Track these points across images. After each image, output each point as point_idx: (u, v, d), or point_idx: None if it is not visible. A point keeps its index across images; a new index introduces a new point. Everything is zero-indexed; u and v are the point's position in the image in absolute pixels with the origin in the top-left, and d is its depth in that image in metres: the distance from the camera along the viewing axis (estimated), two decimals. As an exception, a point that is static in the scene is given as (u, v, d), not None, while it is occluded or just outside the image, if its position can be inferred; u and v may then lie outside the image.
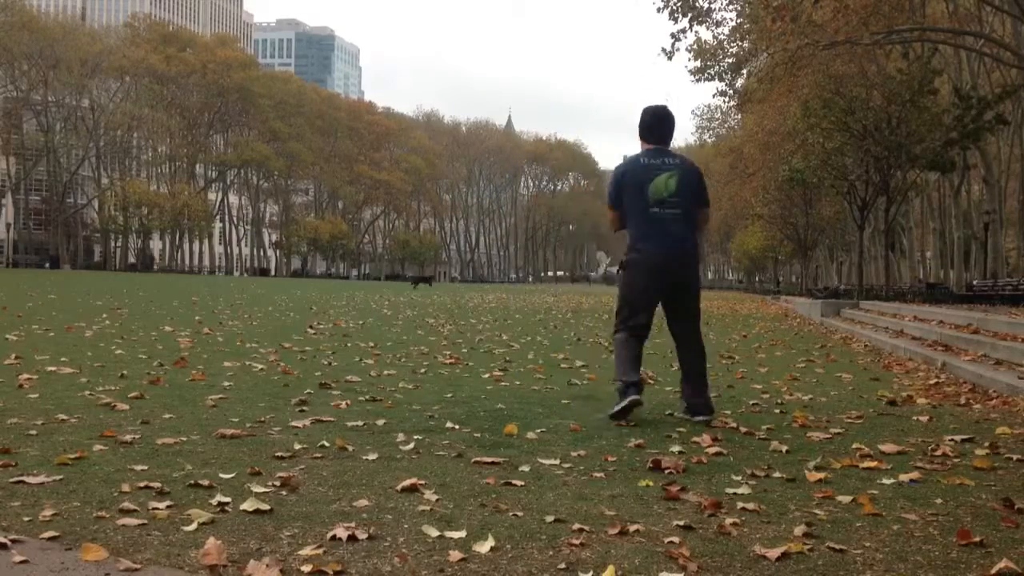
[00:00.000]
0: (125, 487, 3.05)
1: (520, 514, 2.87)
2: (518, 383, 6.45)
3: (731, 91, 31.62)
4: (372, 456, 3.70)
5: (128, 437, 3.92)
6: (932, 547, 2.64)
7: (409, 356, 8.25)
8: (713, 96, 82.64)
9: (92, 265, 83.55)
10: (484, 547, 2.51)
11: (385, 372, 6.85)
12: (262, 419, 4.54)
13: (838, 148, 24.80)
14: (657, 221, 4.89)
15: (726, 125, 65.61)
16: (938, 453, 4.09)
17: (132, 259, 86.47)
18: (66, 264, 76.03)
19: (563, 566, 2.39)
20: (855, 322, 16.11)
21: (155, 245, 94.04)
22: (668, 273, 4.94)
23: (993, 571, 2.42)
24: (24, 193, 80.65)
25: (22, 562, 2.30)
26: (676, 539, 2.63)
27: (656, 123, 5.08)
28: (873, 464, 3.79)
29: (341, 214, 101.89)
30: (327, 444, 3.90)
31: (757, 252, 63.25)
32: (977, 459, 3.93)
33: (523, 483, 3.29)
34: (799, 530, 2.74)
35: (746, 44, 27.49)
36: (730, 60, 28.48)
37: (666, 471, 3.54)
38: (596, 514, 2.90)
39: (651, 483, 3.33)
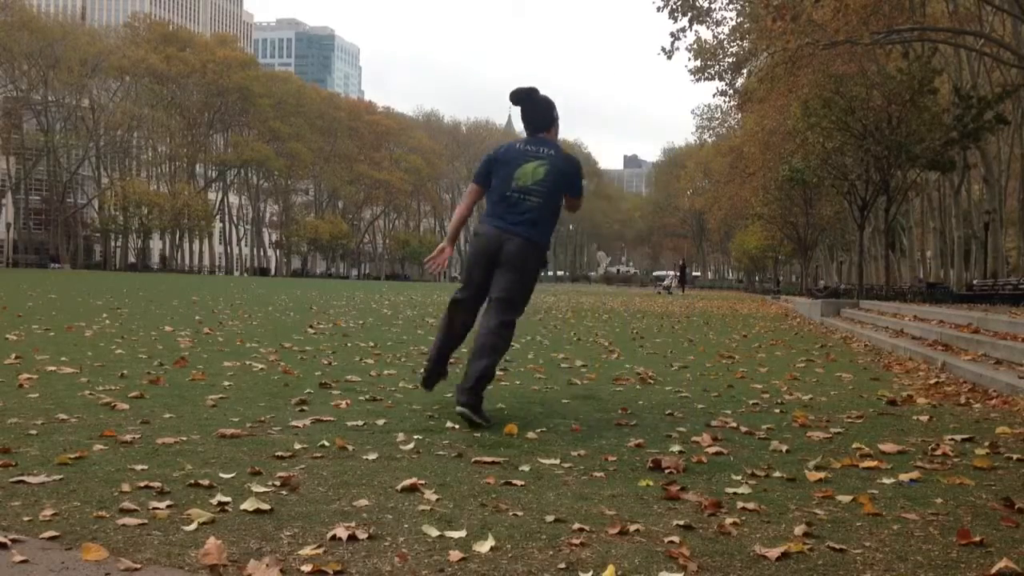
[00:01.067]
0: (125, 487, 3.05)
1: (520, 514, 2.88)
2: (518, 383, 6.44)
3: (731, 91, 31.69)
4: (372, 456, 3.70)
5: (128, 437, 3.92)
6: (932, 547, 2.64)
7: (409, 356, 8.24)
8: (713, 96, 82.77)
9: (92, 265, 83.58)
10: (484, 547, 2.51)
11: (385, 372, 6.85)
12: (262, 419, 4.54)
13: (838, 148, 24.80)
14: (510, 204, 4.76)
15: (726, 125, 65.74)
16: (938, 453, 4.10)
17: (132, 259, 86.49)
18: (66, 264, 76.03)
19: (563, 566, 2.39)
20: (855, 322, 16.11)
21: (155, 245, 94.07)
22: (494, 252, 4.75)
23: (993, 571, 2.42)
24: (24, 193, 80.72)
25: (22, 562, 2.30)
26: (676, 539, 2.63)
27: (521, 111, 4.95)
28: (873, 464, 3.79)
29: (341, 214, 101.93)
30: (327, 444, 3.90)
31: (757, 252, 63.24)
32: (977, 459, 3.93)
33: (523, 483, 3.29)
34: (799, 530, 2.74)
35: (746, 43, 27.53)
36: (730, 60, 28.53)
37: (666, 471, 3.54)
38: (596, 514, 2.90)
39: (651, 483, 3.33)
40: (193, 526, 2.64)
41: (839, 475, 3.59)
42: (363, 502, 2.96)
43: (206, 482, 3.15)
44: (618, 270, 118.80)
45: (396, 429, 4.35)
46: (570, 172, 4.85)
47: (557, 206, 4.86)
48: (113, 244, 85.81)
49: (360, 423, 4.49)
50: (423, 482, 3.22)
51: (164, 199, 79.46)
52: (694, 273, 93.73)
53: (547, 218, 4.80)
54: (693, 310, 23.42)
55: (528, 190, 4.75)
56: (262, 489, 3.07)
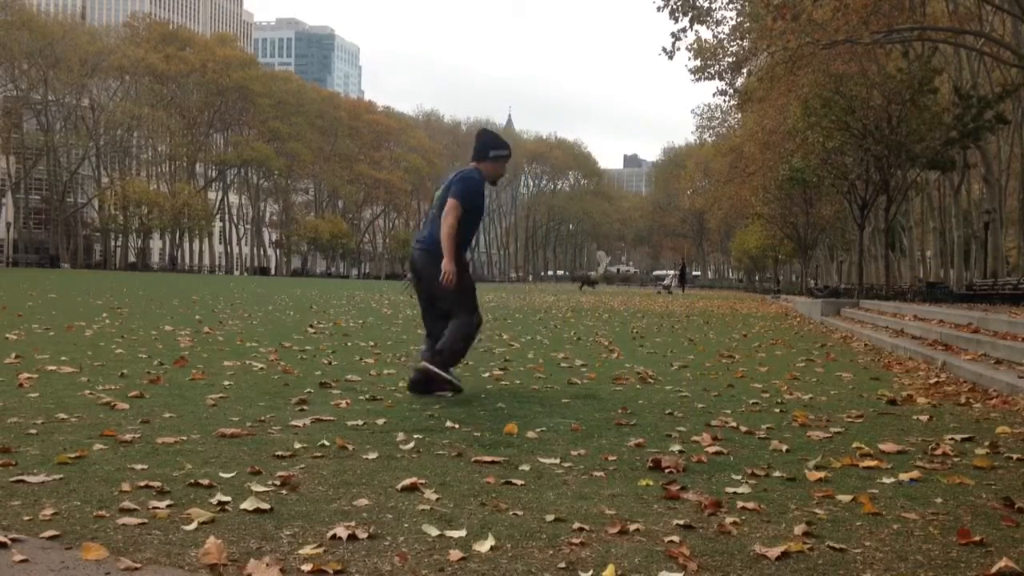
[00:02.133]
0: (125, 486, 3.05)
1: (520, 513, 2.88)
2: (518, 382, 6.45)
3: (731, 90, 31.68)
4: (372, 455, 3.70)
5: (128, 436, 3.92)
6: (932, 546, 2.64)
7: (409, 355, 8.24)
8: (713, 95, 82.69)
9: (92, 264, 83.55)
10: (484, 546, 2.51)
11: (385, 371, 6.85)
12: (262, 418, 4.54)
13: (838, 147, 24.79)
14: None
15: (726, 124, 65.62)
16: (938, 452, 4.10)
17: (132, 258, 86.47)
18: (66, 263, 75.99)
19: (563, 565, 2.39)
20: (855, 321, 16.11)
21: (155, 244, 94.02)
22: (413, 270, 5.85)
23: (993, 570, 2.42)
24: (24, 192, 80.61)
25: (22, 561, 2.30)
26: (676, 538, 2.63)
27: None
28: (873, 463, 3.79)
29: (341, 213, 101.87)
30: (327, 443, 3.90)
31: (757, 251, 63.20)
32: (977, 458, 3.93)
33: (523, 482, 3.29)
34: (799, 529, 2.74)
35: (746, 43, 27.52)
36: (730, 59, 28.52)
37: (666, 470, 3.54)
38: (596, 513, 2.90)
39: (651, 482, 3.33)
40: (193, 525, 2.64)
41: (839, 475, 3.59)
42: (363, 502, 2.96)
43: (206, 482, 3.15)
44: (618, 270, 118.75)
45: (396, 429, 4.35)
46: (451, 185, 5.73)
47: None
48: (113, 244, 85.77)
49: (360, 423, 4.49)
50: (423, 482, 3.22)
51: (164, 199, 79.40)
52: (694, 273, 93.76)
53: (434, 220, 5.73)
54: (693, 309, 23.42)
55: (431, 211, 5.86)
56: (262, 488, 3.07)
